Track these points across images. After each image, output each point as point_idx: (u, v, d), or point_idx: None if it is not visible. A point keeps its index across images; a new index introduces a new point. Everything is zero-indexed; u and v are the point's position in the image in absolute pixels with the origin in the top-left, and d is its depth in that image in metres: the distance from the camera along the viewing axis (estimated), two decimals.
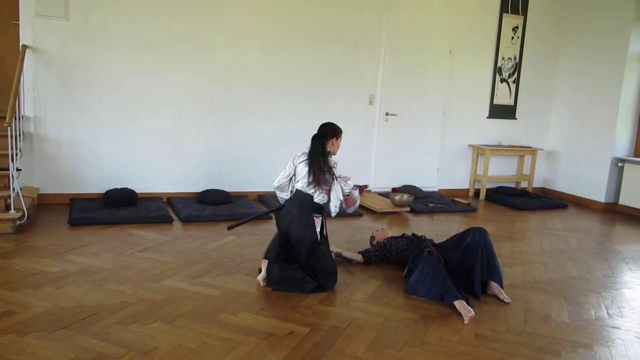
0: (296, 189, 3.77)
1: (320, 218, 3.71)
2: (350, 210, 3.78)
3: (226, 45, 6.02)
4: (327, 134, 3.80)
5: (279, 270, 3.59)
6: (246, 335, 2.89)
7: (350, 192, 3.72)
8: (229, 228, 4.02)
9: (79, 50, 5.44)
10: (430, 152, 7.41)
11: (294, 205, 3.72)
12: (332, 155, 3.83)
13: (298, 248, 3.64)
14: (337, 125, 3.87)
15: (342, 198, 3.72)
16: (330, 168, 3.70)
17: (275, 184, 3.91)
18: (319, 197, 3.72)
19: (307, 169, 3.72)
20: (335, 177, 3.69)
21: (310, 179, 3.69)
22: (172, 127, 5.94)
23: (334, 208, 3.75)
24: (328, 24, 6.46)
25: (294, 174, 3.79)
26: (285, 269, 3.60)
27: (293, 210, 3.69)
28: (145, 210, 5.30)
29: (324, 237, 3.78)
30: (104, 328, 2.86)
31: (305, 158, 3.73)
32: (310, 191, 3.71)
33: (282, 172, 3.88)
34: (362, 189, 3.99)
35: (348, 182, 3.74)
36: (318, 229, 3.68)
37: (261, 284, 3.61)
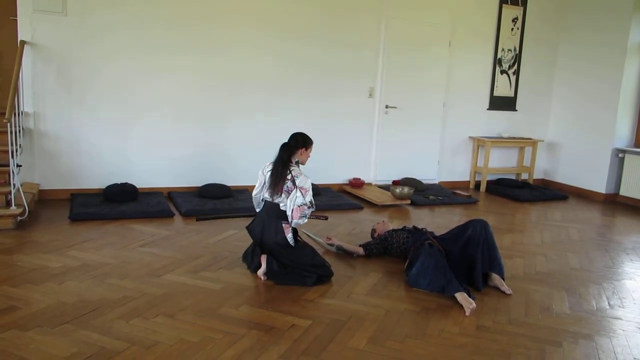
0: (264, 199, 3.77)
1: (289, 225, 3.69)
2: (294, 223, 3.66)
3: (226, 41, 6.00)
4: (297, 143, 3.78)
5: (278, 264, 3.61)
6: (248, 329, 2.90)
7: (302, 204, 3.62)
8: (198, 219, 4.15)
9: (78, 45, 5.42)
10: (431, 145, 7.40)
11: (262, 215, 3.75)
12: (301, 165, 3.81)
13: (277, 256, 3.67)
14: (307, 136, 3.84)
15: (293, 207, 3.63)
16: (294, 177, 3.65)
17: (253, 195, 3.89)
18: (284, 205, 3.70)
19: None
20: (296, 187, 3.64)
21: (270, 188, 3.68)
22: (172, 122, 5.93)
23: (289, 216, 3.68)
24: (327, 16, 6.44)
25: (265, 183, 3.78)
26: (285, 264, 3.63)
27: (263, 220, 3.72)
28: (145, 205, 5.30)
29: (299, 242, 3.78)
30: (106, 323, 2.87)
31: (272, 167, 3.73)
32: (277, 200, 3.69)
33: (257, 183, 3.85)
34: (317, 216, 4.03)
35: (306, 194, 3.63)
36: (290, 235, 3.67)
37: (262, 278, 3.62)
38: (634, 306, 3.58)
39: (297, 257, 3.66)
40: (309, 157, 3.88)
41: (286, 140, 3.81)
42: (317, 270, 3.64)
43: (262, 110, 6.32)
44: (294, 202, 3.62)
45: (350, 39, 6.60)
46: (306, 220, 3.69)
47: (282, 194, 3.66)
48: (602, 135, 7.22)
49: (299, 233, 3.92)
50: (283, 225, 3.68)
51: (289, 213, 3.66)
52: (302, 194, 3.63)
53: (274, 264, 3.62)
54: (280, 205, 3.69)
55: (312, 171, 6.35)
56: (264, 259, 3.65)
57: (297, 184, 3.64)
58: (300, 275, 3.59)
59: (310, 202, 3.68)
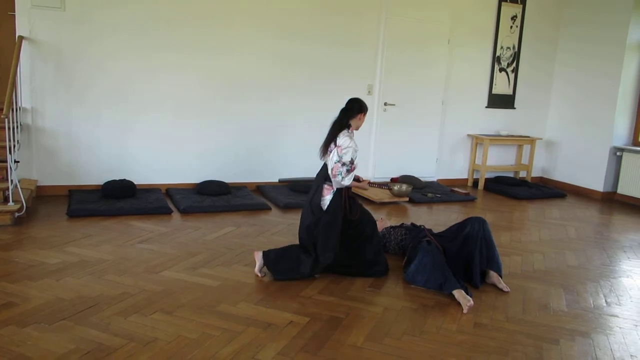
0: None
1: (332, 188, 3.67)
2: (334, 182, 3.63)
3: (225, 39, 5.98)
4: (354, 108, 3.79)
5: (275, 252, 3.64)
6: (246, 326, 2.91)
7: (336, 162, 3.60)
8: (281, 181, 4.18)
9: (76, 41, 5.41)
10: (429, 142, 7.40)
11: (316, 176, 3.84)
12: (354, 130, 3.79)
13: (305, 211, 3.73)
14: (363, 102, 3.85)
15: (332, 165, 3.63)
16: (336, 138, 3.67)
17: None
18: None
19: None
20: (336, 146, 3.66)
21: (321, 148, 3.74)
22: (170, 118, 5.92)
23: (330, 174, 3.67)
24: (327, 14, 6.42)
25: None
26: (282, 249, 3.66)
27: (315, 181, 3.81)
28: (144, 201, 5.30)
29: (332, 211, 3.66)
30: (104, 319, 2.87)
31: (329, 128, 3.77)
32: (324, 160, 3.76)
33: None
34: (363, 181, 3.99)
35: (342, 153, 3.60)
36: (327, 197, 3.65)
37: (258, 275, 3.62)
38: (630, 304, 3.59)
39: (320, 226, 3.61)
40: (362, 123, 3.88)
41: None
42: (322, 251, 3.60)
43: (260, 108, 6.31)
44: (332, 161, 3.64)
45: (349, 36, 6.59)
46: (345, 181, 3.61)
47: (328, 155, 3.70)
48: (601, 134, 7.22)
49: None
50: (324, 185, 3.70)
51: (329, 173, 3.66)
52: (337, 152, 3.63)
53: (270, 253, 3.63)
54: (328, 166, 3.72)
55: (310, 169, 6.38)
56: (257, 257, 3.66)
57: (337, 143, 3.66)
58: (297, 262, 3.58)
59: (350, 161, 3.62)
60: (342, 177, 3.60)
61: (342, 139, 3.66)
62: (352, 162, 3.64)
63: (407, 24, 6.88)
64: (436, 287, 3.48)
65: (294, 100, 6.45)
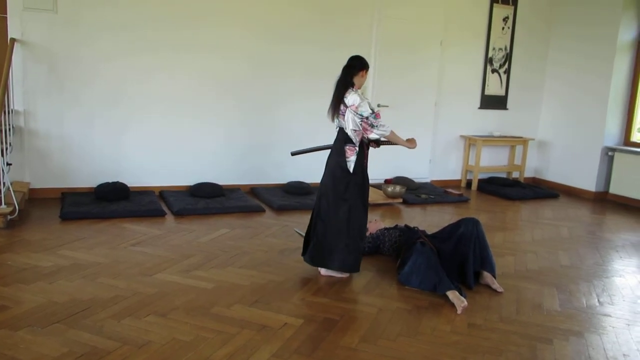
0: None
1: (355, 148, 3.67)
2: (372, 136, 3.65)
3: (217, 41, 5.97)
4: (356, 65, 3.75)
5: (314, 244, 3.73)
6: (240, 328, 2.90)
7: (361, 120, 3.60)
8: (293, 154, 4.35)
9: (69, 43, 5.38)
10: (422, 143, 7.36)
11: (334, 141, 3.81)
12: (358, 89, 3.74)
13: (329, 180, 3.71)
14: (364, 58, 3.82)
15: (353, 127, 3.63)
16: (343, 98, 3.65)
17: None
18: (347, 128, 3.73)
19: None
20: (347, 106, 3.63)
21: (330, 110, 3.73)
22: (164, 121, 5.90)
23: (351, 134, 3.67)
24: (318, 15, 6.43)
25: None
26: (315, 246, 3.74)
27: (333, 145, 3.80)
28: (137, 204, 5.28)
29: (363, 169, 3.74)
30: (97, 322, 2.86)
31: (334, 89, 3.76)
32: (337, 123, 3.75)
33: None
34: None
35: (359, 109, 3.58)
36: (352, 157, 3.65)
37: (341, 276, 3.76)
38: (623, 303, 3.61)
39: (350, 187, 3.65)
40: (364, 81, 3.86)
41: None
42: (358, 213, 3.67)
43: (253, 110, 6.29)
44: (351, 122, 3.63)
45: (342, 38, 6.58)
46: (387, 127, 3.64)
47: (340, 117, 3.69)
48: (592, 134, 7.26)
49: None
50: (347, 147, 3.68)
51: (349, 134, 3.66)
52: (354, 112, 3.61)
53: (311, 258, 3.74)
54: (345, 128, 3.69)
55: (305, 170, 6.39)
56: (323, 272, 3.77)
57: (347, 103, 3.64)
58: (330, 253, 3.66)
59: (372, 111, 3.60)
60: (382, 124, 3.63)
61: (350, 97, 3.63)
62: (373, 111, 3.63)
63: (399, 25, 6.89)
64: (430, 288, 3.49)
65: (288, 101, 6.44)
